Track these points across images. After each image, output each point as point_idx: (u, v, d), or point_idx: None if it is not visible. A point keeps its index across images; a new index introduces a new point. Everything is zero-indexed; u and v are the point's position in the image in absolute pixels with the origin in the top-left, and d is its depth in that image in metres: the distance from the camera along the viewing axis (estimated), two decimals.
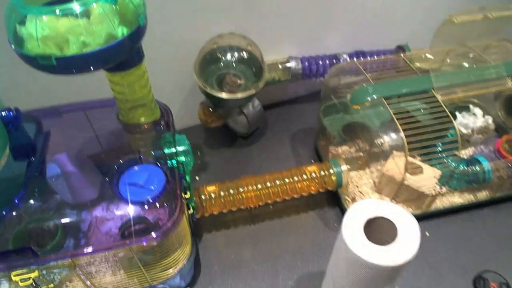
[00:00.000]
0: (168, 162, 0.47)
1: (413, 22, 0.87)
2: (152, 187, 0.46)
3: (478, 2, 0.70)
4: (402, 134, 0.53)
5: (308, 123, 0.82)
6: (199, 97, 0.70)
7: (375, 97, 0.55)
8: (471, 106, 0.75)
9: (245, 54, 0.68)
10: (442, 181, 0.59)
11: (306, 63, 0.78)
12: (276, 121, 0.84)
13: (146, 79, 0.48)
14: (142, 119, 0.49)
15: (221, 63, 0.69)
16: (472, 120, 0.71)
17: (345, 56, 0.80)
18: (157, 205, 0.45)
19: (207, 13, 0.66)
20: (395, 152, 0.63)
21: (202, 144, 0.79)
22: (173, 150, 0.47)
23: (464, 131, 0.71)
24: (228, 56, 0.68)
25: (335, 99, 0.71)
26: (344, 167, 0.60)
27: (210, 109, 0.71)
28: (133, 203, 0.45)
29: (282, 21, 0.75)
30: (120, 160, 0.48)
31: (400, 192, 0.61)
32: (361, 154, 0.71)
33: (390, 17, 0.84)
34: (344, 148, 0.72)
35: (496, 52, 0.69)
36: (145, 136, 0.50)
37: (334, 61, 0.79)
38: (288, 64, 0.77)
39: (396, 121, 0.54)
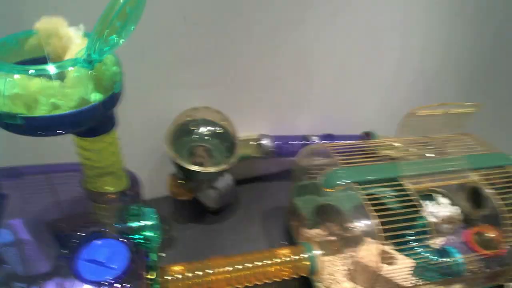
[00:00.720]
0: (134, 237, 0.44)
1: (380, 112, 0.92)
2: (114, 266, 0.42)
3: (440, 98, 0.75)
4: (373, 220, 0.53)
5: (280, 201, 0.81)
6: (170, 168, 0.69)
7: (346, 181, 0.56)
8: (437, 195, 0.77)
9: (218, 129, 0.68)
10: (417, 272, 0.58)
11: (278, 142, 0.79)
12: (248, 197, 0.82)
13: (116, 146, 0.46)
14: (109, 188, 0.47)
15: (194, 135, 0.69)
16: (440, 209, 0.72)
17: (314, 138, 0.82)
18: (118, 286, 0.41)
19: (183, 88, 0.68)
20: (368, 239, 0.62)
21: (170, 217, 0.76)
22: (140, 224, 0.44)
23: (433, 219, 0.72)
24: (202, 129, 0.68)
25: (307, 179, 0.71)
26: (317, 252, 0.58)
27: (180, 181, 0.69)
28: (90, 282, 0.41)
29: (257, 101, 0.78)
30: (81, 232, 0.45)
31: (376, 283, 0.59)
32: (334, 237, 0.70)
33: (358, 106, 0.90)
34: (317, 230, 0.70)
35: (457, 145, 0.74)
36: (110, 207, 0.47)
37: (304, 142, 0.81)
38: (260, 142, 0.78)
39: (367, 207, 0.54)
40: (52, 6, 0.53)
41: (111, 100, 0.40)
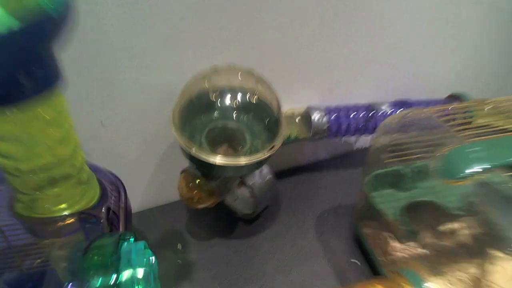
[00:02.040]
0: None
1: (465, 70, 0.67)
2: None
3: None
4: None
5: (337, 199, 0.58)
6: (180, 162, 0.46)
7: (486, 166, 0.32)
8: None
9: (253, 99, 0.45)
10: None
11: (333, 116, 0.56)
12: (292, 195, 0.59)
13: (65, 126, 0.24)
14: (59, 209, 0.24)
15: (216, 111, 0.46)
16: None
17: (384, 107, 0.58)
18: None
19: (197, 44, 0.45)
20: (496, 253, 0.38)
21: (183, 231, 0.53)
22: (114, 277, 0.21)
23: None
24: (227, 100, 0.45)
25: (386, 165, 0.48)
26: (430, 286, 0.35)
27: (197, 180, 0.47)
28: None
29: (301, 61, 0.54)
30: None
31: None
32: (429, 251, 0.46)
33: (435, 64, 0.65)
34: (412, 244, 0.46)
35: None
36: (65, 243, 0.25)
37: (369, 113, 0.57)
38: (310, 117, 0.54)
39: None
40: None
41: (40, 29, 0.18)
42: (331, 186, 0.61)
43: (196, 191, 0.48)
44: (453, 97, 0.61)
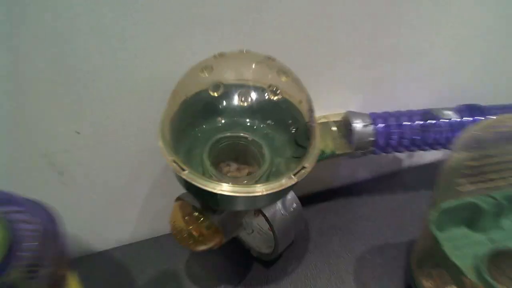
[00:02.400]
0: None
1: None
2: None
3: None
4: None
5: (382, 233, 0.44)
6: (174, 188, 0.33)
7: None
8: None
9: (273, 98, 0.31)
10: None
11: (381, 124, 0.42)
12: (323, 229, 0.45)
13: None
14: None
15: (221, 117, 0.33)
16: None
17: (448, 113, 0.44)
18: None
19: (198, 26, 0.32)
20: None
21: (180, 272, 0.40)
22: None
23: None
24: (237, 101, 0.31)
25: (462, 195, 0.34)
26: None
27: (196, 213, 0.34)
28: None
29: (337, 57, 0.41)
30: None
31: None
32: None
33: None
34: None
35: None
36: None
37: (428, 122, 0.43)
38: (351, 125, 0.41)
39: None
40: None
41: None
42: (375, 217, 0.47)
43: (193, 226, 0.35)
44: None
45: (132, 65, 0.33)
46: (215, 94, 0.31)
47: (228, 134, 0.33)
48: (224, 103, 0.31)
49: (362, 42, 0.42)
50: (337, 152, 0.41)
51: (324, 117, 0.42)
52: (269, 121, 0.32)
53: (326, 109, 0.44)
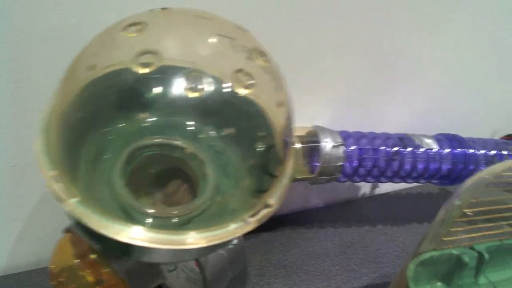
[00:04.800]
0: None
1: None
2: None
3: None
4: None
5: (332, 274, 0.36)
6: (58, 218, 0.21)
7: None
8: None
9: (241, 92, 0.20)
10: None
11: (353, 146, 0.34)
12: (264, 266, 0.36)
13: None
14: None
15: (151, 112, 0.21)
16: None
17: (428, 141, 0.37)
18: None
19: None
20: None
21: None
22: None
23: None
24: (178, 90, 0.20)
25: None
26: None
27: (93, 255, 0.22)
28: None
29: (312, 50, 0.32)
30: None
31: None
32: None
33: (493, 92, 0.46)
34: None
35: None
36: None
37: (407, 149, 0.36)
38: (320, 145, 0.32)
39: None
40: None
41: None
42: (326, 254, 0.38)
43: (87, 271, 0.23)
44: None
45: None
46: (144, 71, 0.19)
47: (158, 140, 0.22)
48: (156, 89, 0.20)
49: (341, 47, 0.33)
50: (297, 176, 0.32)
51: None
52: (226, 129, 0.21)
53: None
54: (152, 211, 0.20)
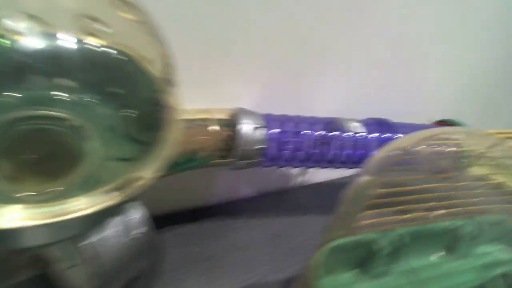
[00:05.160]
0: None
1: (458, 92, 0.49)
2: None
3: None
4: None
5: (259, 265, 0.34)
6: None
7: None
8: None
9: (94, 44, 0.17)
10: None
11: (275, 130, 0.32)
12: (183, 259, 0.33)
13: None
14: None
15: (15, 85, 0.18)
16: None
17: (355, 124, 0.36)
18: None
19: None
20: None
21: None
22: None
23: None
24: (34, 44, 0.17)
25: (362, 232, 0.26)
26: None
27: None
28: None
29: (239, 23, 0.30)
30: None
31: None
32: None
33: (429, 79, 0.46)
34: None
35: None
36: None
37: (333, 133, 0.34)
38: (237, 127, 0.30)
39: None
40: None
41: None
42: (254, 245, 0.36)
43: None
44: (443, 123, 0.42)
45: None
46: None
47: (28, 112, 0.19)
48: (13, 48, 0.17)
49: (269, 23, 0.31)
50: (212, 159, 0.30)
51: (206, 111, 0.31)
52: (90, 93, 0.18)
53: (212, 101, 0.32)
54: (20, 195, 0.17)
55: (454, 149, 0.25)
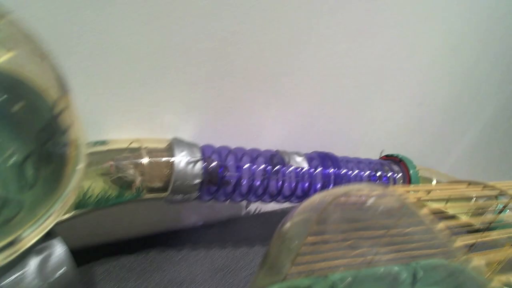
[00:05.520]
0: None
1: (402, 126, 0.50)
2: None
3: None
4: None
5: None
6: None
7: None
8: None
9: None
10: None
11: (214, 163, 0.31)
12: None
13: None
14: None
15: None
16: None
17: (298, 159, 0.35)
18: None
19: None
20: None
21: None
22: None
23: None
24: None
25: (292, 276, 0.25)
26: None
27: None
28: None
29: (175, 48, 0.30)
30: None
31: None
32: None
33: (374, 113, 0.46)
34: None
35: None
36: None
37: (276, 168, 0.34)
38: (172, 160, 0.29)
39: None
40: None
41: None
42: (192, 281, 0.35)
43: None
44: (391, 159, 0.42)
45: None
46: None
47: None
48: None
49: (211, 46, 0.31)
50: (145, 195, 0.29)
51: (136, 141, 0.30)
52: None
53: (148, 130, 0.31)
54: None
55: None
